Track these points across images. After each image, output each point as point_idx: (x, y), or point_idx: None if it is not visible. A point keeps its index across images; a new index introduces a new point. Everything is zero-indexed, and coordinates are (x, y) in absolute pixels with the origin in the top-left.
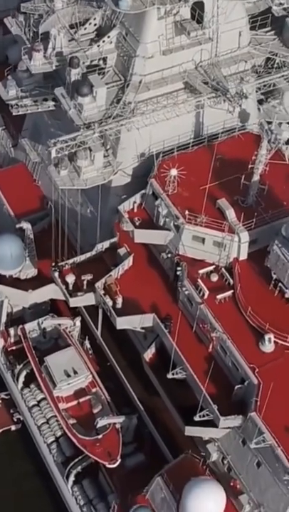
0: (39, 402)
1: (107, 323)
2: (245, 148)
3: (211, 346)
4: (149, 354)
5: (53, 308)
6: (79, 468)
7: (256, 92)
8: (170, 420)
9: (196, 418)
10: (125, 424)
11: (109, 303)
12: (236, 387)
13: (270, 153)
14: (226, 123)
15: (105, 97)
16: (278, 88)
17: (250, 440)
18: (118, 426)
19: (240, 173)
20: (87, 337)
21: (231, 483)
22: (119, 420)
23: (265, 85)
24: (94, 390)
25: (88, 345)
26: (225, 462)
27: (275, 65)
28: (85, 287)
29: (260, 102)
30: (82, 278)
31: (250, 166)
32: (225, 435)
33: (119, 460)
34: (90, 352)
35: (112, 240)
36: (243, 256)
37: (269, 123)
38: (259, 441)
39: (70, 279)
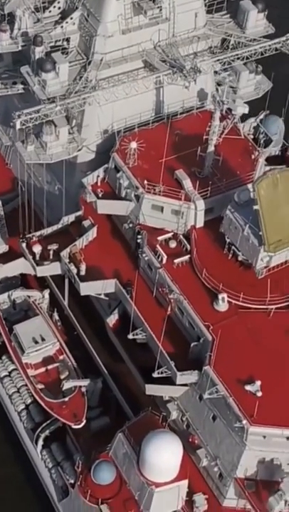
0: (10, 372)
1: (73, 295)
2: (202, 125)
3: (169, 308)
4: (112, 320)
5: (24, 283)
6: (47, 432)
7: (216, 74)
8: (133, 383)
9: (155, 374)
10: (90, 387)
11: (74, 270)
12: (192, 344)
13: (226, 129)
14: (185, 102)
15: (68, 73)
16: (235, 69)
17: (204, 392)
18: (84, 390)
19: (197, 146)
20: (55, 309)
21: (190, 440)
22: (84, 383)
23: (221, 63)
24: (61, 357)
25: (57, 317)
26: (184, 419)
27: (231, 46)
28: (51, 257)
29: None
30: (49, 248)
31: (204, 137)
32: (183, 393)
33: (84, 421)
34: (59, 324)
35: (78, 214)
36: (200, 223)
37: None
38: (212, 392)
39: (37, 249)
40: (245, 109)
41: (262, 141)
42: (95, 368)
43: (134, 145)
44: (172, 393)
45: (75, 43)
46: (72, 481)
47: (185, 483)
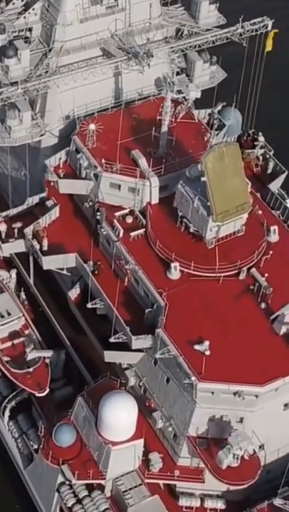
0: None
1: (39, 274)
2: (158, 110)
3: (126, 280)
4: (74, 294)
5: None
6: (13, 403)
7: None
8: (94, 354)
9: (112, 339)
10: (54, 359)
11: (37, 246)
12: (147, 310)
13: (181, 113)
14: (143, 90)
15: (29, 59)
16: (190, 59)
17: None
18: (47, 361)
19: (153, 129)
20: (22, 289)
21: (147, 404)
22: (48, 354)
23: (175, 51)
24: (27, 331)
25: (24, 296)
26: (141, 385)
27: (184, 36)
28: (16, 235)
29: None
30: (13, 226)
31: (158, 118)
32: (140, 360)
33: (48, 390)
34: (26, 303)
35: (42, 195)
36: (155, 200)
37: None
38: (164, 353)
39: (2, 227)
40: (198, 94)
41: (215, 126)
42: (60, 342)
43: (92, 127)
44: (129, 359)
45: (37, 32)
46: (36, 447)
47: (141, 442)
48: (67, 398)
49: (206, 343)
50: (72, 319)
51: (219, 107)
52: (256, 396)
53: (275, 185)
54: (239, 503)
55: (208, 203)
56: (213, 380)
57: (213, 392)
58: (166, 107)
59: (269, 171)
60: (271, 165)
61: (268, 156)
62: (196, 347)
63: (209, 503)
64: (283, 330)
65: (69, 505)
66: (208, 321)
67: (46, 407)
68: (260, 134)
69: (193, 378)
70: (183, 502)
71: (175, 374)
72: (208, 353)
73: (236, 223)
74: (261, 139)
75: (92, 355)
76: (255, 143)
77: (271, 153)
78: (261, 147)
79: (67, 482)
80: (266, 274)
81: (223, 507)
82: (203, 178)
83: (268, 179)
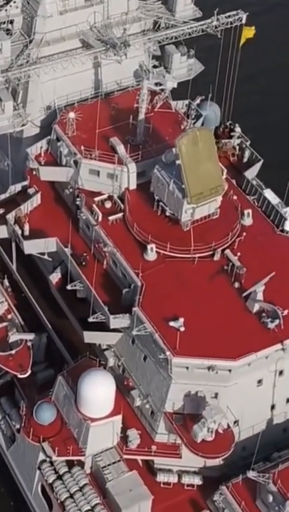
0: None
1: (22, 261)
2: (136, 100)
3: (105, 263)
4: (55, 278)
5: None
6: None
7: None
8: (75, 337)
9: (90, 319)
10: (36, 342)
11: (18, 231)
12: (124, 290)
13: (158, 102)
14: (122, 81)
15: (10, 50)
16: (168, 52)
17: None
18: (29, 344)
19: (130, 118)
20: (5, 276)
21: (125, 383)
22: (30, 337)
23: (152, 42)
24: (9, 316)
25: (7, 284)
26: (119, 364)
27: (161, 29)
28: None
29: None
30: None
31: (135, 106)
32: (118, 340)
33: (30, 371)
34: (9, 290)
35: (24, 183)
36: (133, 186)
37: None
38: (140, 330)
39: None
40: (174, 84)
41: (193, 116)
42: (42, 326)
43: (72, 115)
44: (108, 340)
45: (19, 25)
46: (18, 427)
47: (119, 418)
48: (49, 380)
49: (181, 319)
50: (54, 304)
51: (198, 101)
52: (229, 371)
53: (250, 173)
54: (216, 479)
55: (183, 186)
56: (187, 355)
57: (187, 367)
58: (143, 95)
59: (245, 159)
60: (247, 154)
61: (244, 146)
62: (171, 324)
63: (186, 479)
64: (256, 307)
65: (50, 481)
66: (184, 300)
67: (28, 390)
68: (237, 125)
69: (168, 353)
70: (161, 478)
71: (151, 351)
72: (182, 329)
73: (211, 206)
74: (238, 129)
75: (73, 338)
76: (232, 133)
77: (248, 143)
78: (238, 137)
79: (47, 459)
80: (238, 253)
81: (200, 483)
82: (177, 161)
83: (244, 167)
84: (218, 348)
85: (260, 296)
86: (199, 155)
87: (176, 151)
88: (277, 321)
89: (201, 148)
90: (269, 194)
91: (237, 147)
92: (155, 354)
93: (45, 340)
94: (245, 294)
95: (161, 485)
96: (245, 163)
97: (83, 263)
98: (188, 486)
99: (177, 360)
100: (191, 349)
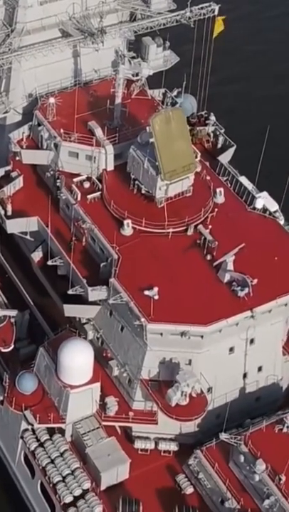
0: None
1: (5, 243)
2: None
3: (84, 240)
4: (36, 256)
5: None
6: None
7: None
8: (57, 314)
9: (70, 291)
10: (19, 319)
11: (1, 211)
12: (102, 264)
13: (135, 90)
14: (101, 71)
15: None
16: (144, 43)
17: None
18: (12, 320)
19: (108, 102)
20: None
21: (104, 354)
22: (12, 313)
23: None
24: None
25: None
26: (98, 337)
27: (138, 20)
28: None
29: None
30: None
31: (112, 90)
32: (97, 314)
33: (12, 346)
34: None
35: (7, 168)
36: (110, 167)
37: None
38: (116, 299)
39: None
40: (150, 71)
41: (168, 104)
42: (25, 305)
43: (52, 100)
44: (87, 313)
45: (1, 15)
46: (1, 398)
47: (97, 386)
48: (31, 356)
49: (155, 289)
50: (36, 283)
51: (175, 93)
52: (201, 337)
53: (224, 158)
54: (191, 446)
55: (157, 163)
56: (161, 321)
57: (161, 334)
58: (119, 79)
59: (219, 145)
60: (221, 140)
61: (218, 133)
62: (146, 293)
63: (163, 446)
64: (227, 277)
65: (32, 448)
66: (158, 271)
67: (11, 364)
68: (212, 113)
69: (143, 320)
70: (138, 445)
71: (128, 321)
72: (157, 297)
73: (184, 183)
74: (212, 118)
75: (55, 314)
76: (207, 121)
77: (222, 131)
78: (212, 125)
79: (30, 428)
80: (210, 226)
81: (176, 449)
82: (151, 140)
83: (218, 153)
84: (191, 314)
85: (230, 266)
86: (172, 134)
87: (149, 130)
88: (246, 290)
89: (173, 127)
90: (244, 180)
91: (211, 134)
92: (131, 323)
93: (27, 317)
94: (216, 264)
95: (139, 452)
96: (220, 149)
97: (71, 248)
98: (164, 452)
99: (152, 327)
100: (165, 316)
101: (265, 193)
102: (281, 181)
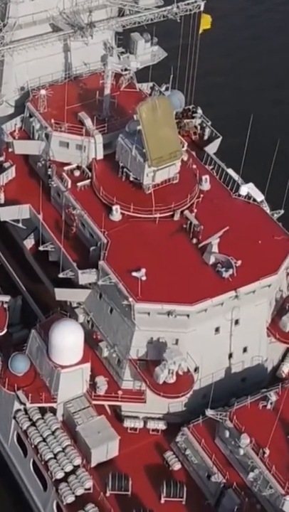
0: None
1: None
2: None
3: (74, 225)
4: (29, 243)
5: None
6: None
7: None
8: (48, 298)
9: (60, 275)
10: (12, 304)
11: None
12: (91, 248)
13: (124, 83)
14: (91, 65)
15: None
16: (133, 39)
17: (103, 291)
18: (5, 305)
19: (97, 93)
20: None
21: (94, 337)
22: (5, 299)
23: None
24: None
25: None
26: (89, 320)
27: (126, 15)
28: None
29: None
30: None
31: (101, 82)
32: (87, 298)
33: (6, 330)
34: None
35: (0, 159)
36: (100, 156)
37: None
38: (105, 280)
39: None
40: (138, 64)
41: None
42: (18, 291)
43: (43, 92)
44: (78, 296)
45: None
46: None
47: (87, 365)
48: (24, 340)
49: (143, 270)
50: (28, 270)
51: (163, 88)
52: (187, 316)
53: (210, 149)
54: (178, 425)
55: (144, 150)
56: (148, 301)
57: (149, 313)
58: (108, 71)
59: (206, 137)
60: (207, 132)
61: (204, 125)
62: (134, 274)
63: (151, 425)
64: (212, 259)
65: (24, 428)
66: (145, 254)
67: (4, 348)
68: (199, 107)
69: (130, 300)
70: (127, 424)
71: (117, 303)
72: (144, 278)
73: (170, 170)
74: (199, 111)
75: (47, 299)
76: (194, 115)
77: (209, 123)
78: (199, 118)
79: (22, 408)
80: (196, 212)
81: (164, 427)
82: (138, 127)
83: (205, 144)
84: (177, 294)
85: (215, 248)
86: (158, 121)
87: (136, 117)
88: (231, 271)
89: (160, 115)
90: (231, 172)
91: (198, 126)
92: (120, 304)
93: (20, 302)
94: (201, 245)
95: (128, 430)
96: (206, 141)
97: (68, 236)
98: (153, 431)
99: (139, 306)
100: (152, 296)
101: (251, 184)
102: (265, 171)
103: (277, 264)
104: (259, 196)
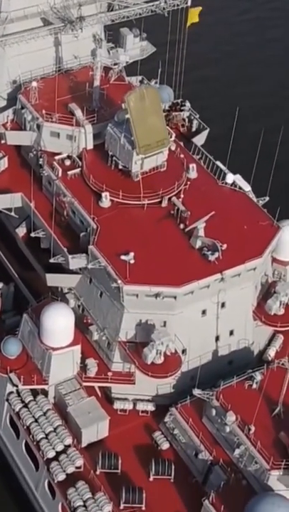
0: None
1: None
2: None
3: (65, 213)
4: (21, 231)
5: None
6: None
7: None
8: (40, 285)
9: (51, 260)
10: (4, 291)
11: None
12: (81, 234)
13: (113, 76)
14: (82, 60)
15: None
16: (122, 34)
17: (93, 275)
18: None
19: (86, 85)
20: None
21: (84, 321)
22: None
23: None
24: None
25: None
26: (79, 305)
27: (115, 10)
28: None
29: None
30: None
31: (90, 74)
32: (78, 283)
33: None
34: None
35: None
36: (90, 146)
37: None
38: (95, 264)
39: None
40: (127, 57)
41: None
42: (11, 278)
43: (34, 84)
44: (69, 282)
45: None
46: None
47: (78, 348)
48: (16, 326)
49: (131, 254)
50: (20, 257)
51: (152, 83)
52: (174, 298)
53: (198, 140)
54: (167, 407)
55: (132, 138)
56: (136, 283)
57: (137, 295)
58: (97, 62)
59: (194, 129)
60: (195, 124)
61: (192, 118)
62: (122, 257)
63: (141, 406)
64: (198, 243)
65: (17, 410)
66: (134, 239)
67: None
68: (187, 101)
69: (119, 282)
70: (117, 405)
71: (106, 286)
72: (132, 261)
73: (158, 158)
74: (188, 104)
75: (38, 286)
76: (182, 108)
77: (197, 116)
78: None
79: (14, 390)
80: (183, 198)
81: (153, 409)
82: (126, 116)
83: (193, 136)
84: (164, 277)
85: (201, 232)
86: (146, 110)
87: (124, 106)
88: (216, 254)
89: (147, 104)
90: (218, 163)
91: (186, 119)
92: (109, 288)
93: (12, 289)
94: (188, 229)
95: (118, 412)
96: (194, 133)
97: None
98: (142, 412)
99: (128, 288)
100: (140, 278)
101: (238, 176)
102: (250, 161)
103: (262, 248)
104: (246, 187)
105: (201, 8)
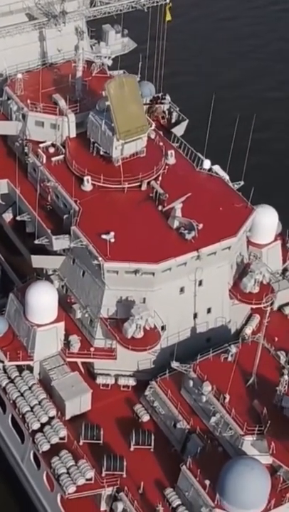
0: None
1: None
2: None
3: (49, 198)
4: (7, 217)
5: None
6: None
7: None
8: (26, 268)
9: (36, 241)
10: None
11: None
12: (64, 216)
13: (96, 69)
14: (65, 54)
15: None
16: (104, 30)
17: (76, 256)
18: None
19: (69, 77)
20: None
21: (68, 300)
22: None
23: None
24: None
25: None
26: (63, 285)
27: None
28: None
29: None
30: None
31: (73, 66)
32: (62, 264)
33: None
34: None
35: None
36: (73, 134)
37: None
38: (77, 243)
39: None
40: (109, 51)
41: None
42: None
43: (20, 76)
44: (53, 263)
45: None
46: None
47: (62, 325)
48: (3, 307)
49: (112, 233)
50: (7, 242)
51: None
52: (153, 274)
53: (177, 131)
54: (147, 382)
55: (113, 124)
56: (116, 260)
57: (117, 272)
58: (79, 54)
59: (173, 120)
60: (175, 116)
61: (172, 110)
62: (103, 236)
63: (122, 381)
64: (176, 224)
65: (3, 385)
66: (114, 220)
67: None
68: (167, 94)
69: (100, 259)
70: (100, 380)
71: (88, 265)
72: (113, 240)
73: (138, 144)
74: (168, 97)
75: (24, 269)
76: (163, 101)
77: (177, 109)
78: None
79: (1, 366)
80: (162, 182)
81: (134, 384)
82: (107, 103)
83: (172, 127)
84: (143, 254)
85: (178, 212)
86: (125, 97)
87: (105, 94)
88: (193, 233)
89: (126, 92)
90: (198, 154)
91: (166, 111)
92: (91, 266)
93: None
94: (165, 209)
95: (101, 387)
96: (174, 124)
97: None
98: (124, 387)
99: (108, 265)
100: (120, 255)
101: (217, 166)
102: (227, 147)
103: (237, 227)
104: (225, 176)
105: (169, 4)
